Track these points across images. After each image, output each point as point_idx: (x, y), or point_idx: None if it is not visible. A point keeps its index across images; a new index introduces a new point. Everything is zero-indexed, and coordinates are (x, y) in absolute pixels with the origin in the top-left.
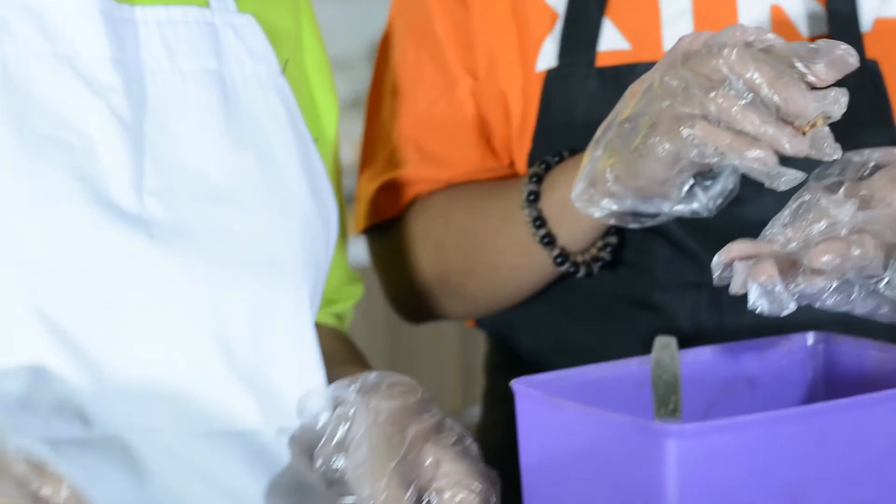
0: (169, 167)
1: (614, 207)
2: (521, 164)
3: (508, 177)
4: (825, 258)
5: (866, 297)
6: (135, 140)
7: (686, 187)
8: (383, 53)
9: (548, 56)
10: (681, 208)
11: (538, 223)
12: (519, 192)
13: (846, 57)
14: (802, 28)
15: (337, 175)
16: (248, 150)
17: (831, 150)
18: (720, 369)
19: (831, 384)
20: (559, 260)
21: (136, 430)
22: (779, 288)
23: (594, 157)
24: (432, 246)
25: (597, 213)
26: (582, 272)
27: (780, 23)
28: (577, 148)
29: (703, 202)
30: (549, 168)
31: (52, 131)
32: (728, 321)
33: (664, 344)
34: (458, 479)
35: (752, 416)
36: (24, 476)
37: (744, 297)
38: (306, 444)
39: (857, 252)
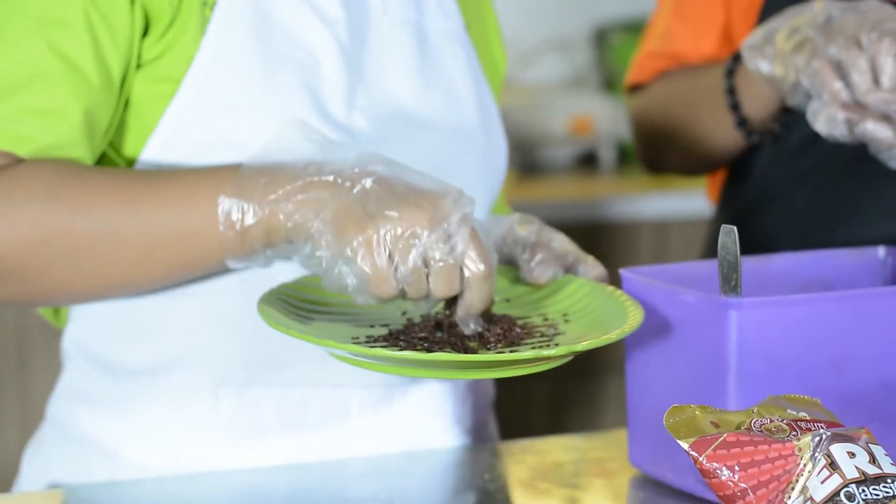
0: (376, 91)
1: (765, 70)
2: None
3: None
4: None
5: None
6: (353, 66)
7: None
8: None
9: None
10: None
11: (730, 91)
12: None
13: None
14: None
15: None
16: (436, 89)
17: None
18: (801, 272)
19: None
20: (739, 122)
21: None
22: (840, 115)
23: (772, 27)
24: (657, 109)
25: (750, 66)
26: (756, 139)
27: None
28: None
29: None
30: None
31: (289, 50)
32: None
33: (728, 231)
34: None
35: (801, 295)
36: None
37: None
38: None
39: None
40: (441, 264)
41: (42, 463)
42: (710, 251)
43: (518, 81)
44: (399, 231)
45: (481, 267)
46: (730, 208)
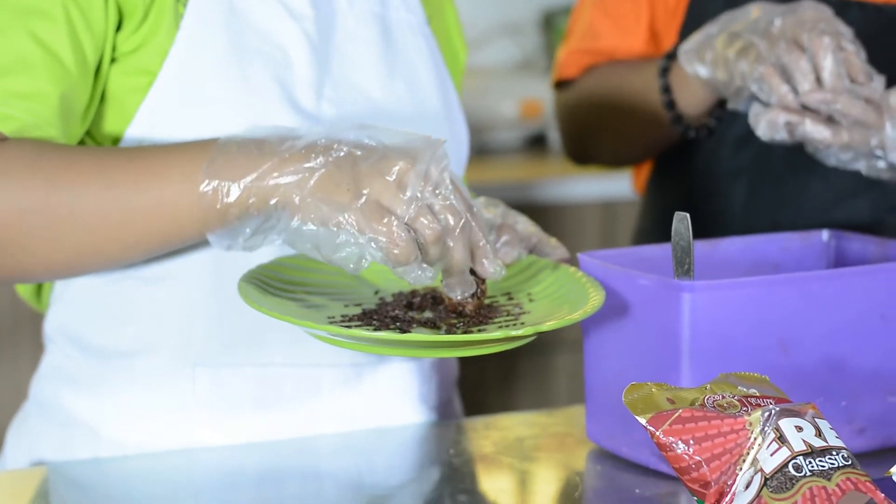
0: (342, 82)
1: (703, 74)
2: (672, 40)
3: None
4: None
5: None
6: (321, 59)
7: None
8: None
9: None
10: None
11: (665, 90)
12: (656, 68)
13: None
14: None
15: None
16: (399, 79)
17: None
18: (749, 255)
19: None
20: (675, 119)
21: None
22: (781, 118)
23: (708, 32)
24: (587, 103)
25: (689, 70)
26: (692, 134)
27: None
28: None
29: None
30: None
31: (260, 45)
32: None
33: (681, 217)
34: None
35: (751, 277)
36: None
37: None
38: None
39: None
40: (440, 198)
41: (26, 441)
42: (640, 239)
43: (468, 65)
44: (385, 185)
45: (466, 206)
46: (660, 200)
